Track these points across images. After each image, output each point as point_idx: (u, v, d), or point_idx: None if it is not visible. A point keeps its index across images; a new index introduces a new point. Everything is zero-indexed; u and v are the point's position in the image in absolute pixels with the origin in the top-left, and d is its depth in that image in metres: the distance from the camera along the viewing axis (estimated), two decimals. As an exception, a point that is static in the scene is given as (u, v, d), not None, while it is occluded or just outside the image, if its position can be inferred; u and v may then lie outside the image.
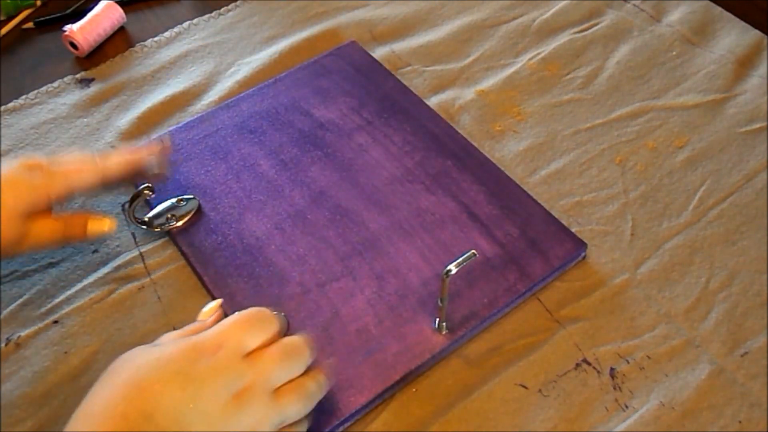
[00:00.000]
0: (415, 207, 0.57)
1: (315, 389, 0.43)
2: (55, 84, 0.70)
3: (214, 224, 0.57)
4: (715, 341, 0.51)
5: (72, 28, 0.71)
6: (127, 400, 0.37)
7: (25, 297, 0.55)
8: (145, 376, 0.38)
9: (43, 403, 0.49)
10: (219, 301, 0.47)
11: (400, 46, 0.72)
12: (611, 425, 0.48)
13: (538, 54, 0.71)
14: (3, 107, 0.68)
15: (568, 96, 0.67)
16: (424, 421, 0.48)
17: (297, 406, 0.42)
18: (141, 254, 0.57)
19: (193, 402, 0.38)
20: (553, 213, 0.57)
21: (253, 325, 0.42)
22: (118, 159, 0.53)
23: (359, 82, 0.67)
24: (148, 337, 0.52)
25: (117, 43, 0.75)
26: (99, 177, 0.52)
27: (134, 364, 0.40)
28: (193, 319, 0.53)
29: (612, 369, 0.50)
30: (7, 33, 0.75)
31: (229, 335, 0.41)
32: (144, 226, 0.57)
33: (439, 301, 0.48)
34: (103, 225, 0.54)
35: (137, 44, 0.74)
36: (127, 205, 0.58)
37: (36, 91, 0.69)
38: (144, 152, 0.55)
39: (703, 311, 0.53)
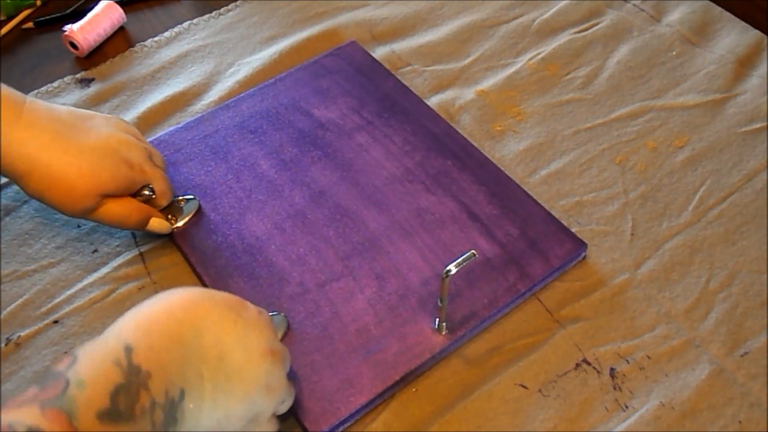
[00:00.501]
0: (415, 207, 0.57)
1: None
2: (55, 84, 0.70)
3: (214, 224, 0.57)
4: (715, 341, 0.51)
5: (72, 28, 0.71)
6: (184, 310, 0.40)
7: (25, 297, 0.55)
8: (203, 300, 0.41)
9: (43, 403, 0.49)
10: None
11: (400, 46, 0.72)
12: (611, 425, 0.48)
13: (538, 54, 0.71)
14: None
15: (568, 96, 0.67)
16: (424, 421, 0.48)
17: (291, 400, 0.45)
18: (141, 254, 0.57)
19: (240, 337, 0.40)
20: (553, 213, 0.57)
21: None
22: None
23: (359, 82, 0.67)
24: (148, 337, 0.52)
25: (117, 43, 0.75)
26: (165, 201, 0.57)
27: (191, 291, 0.42)
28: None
29: (612, 369, 0.50)
30: (7, 33, 0.75)
31: (264, 312, 0.44)
32: (144, 226, 0.57)
33: (439, 301, 0.48)
34: (162, 225, 0.56)
35: (137, 44, 0.74)
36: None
37: (36, 91, 0.69)
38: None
39: (703, 311, 0.53)
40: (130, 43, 0.74)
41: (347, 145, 0.62)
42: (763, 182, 0.60)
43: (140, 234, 0.58)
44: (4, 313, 0.54)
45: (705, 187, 0.60)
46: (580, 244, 0.55)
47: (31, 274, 0.56)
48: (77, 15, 0.75)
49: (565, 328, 0.52)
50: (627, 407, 0.49)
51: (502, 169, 0.60)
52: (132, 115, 0.67)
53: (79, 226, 0.59)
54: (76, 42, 0.71)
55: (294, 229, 0.56)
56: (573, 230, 0.56)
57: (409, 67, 0.70)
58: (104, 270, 0.56)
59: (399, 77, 0.68)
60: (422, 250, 0.55)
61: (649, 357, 0.51)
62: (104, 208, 0.52)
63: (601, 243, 0.57)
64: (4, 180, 0.62)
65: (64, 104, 0.68)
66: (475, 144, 0.62)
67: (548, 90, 0.68)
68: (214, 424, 0.39)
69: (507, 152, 0.63)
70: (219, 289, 0.53)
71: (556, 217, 0.57)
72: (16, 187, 0.61)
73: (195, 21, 0.76)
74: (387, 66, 0.69)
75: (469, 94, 0.67)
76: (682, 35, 0.72)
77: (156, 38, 0.74)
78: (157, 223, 0.56)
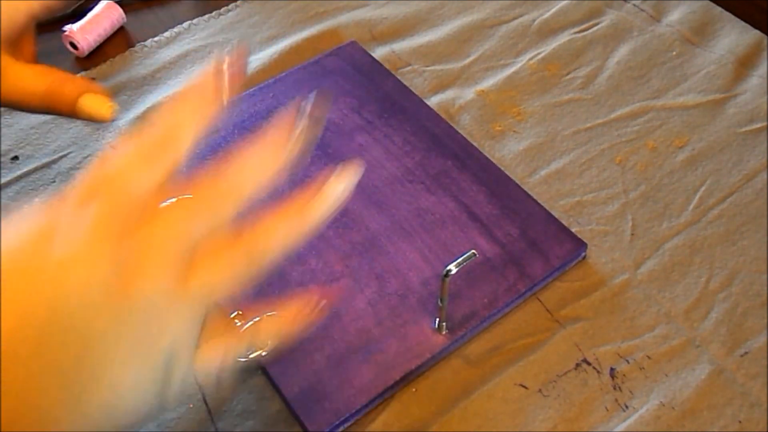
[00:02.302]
0: (415, 207, 0.57)
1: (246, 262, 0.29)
2: (55, 84, 0.70)
3: (214, 224, 0.57)
4: (715, 341, 0.51)
5: (72, 28, 0.71)
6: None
7: (25, 297, 0.55)
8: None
9: (43, 403, 0.49)
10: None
11: (400, 46, 0.72)
12: (611, 425, 0.48)
13: (538, 54, 0.71)
14: (3, 107, 0.68)
15: (568, 96, 0.67)
16: (424, 421, 0.48)
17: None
18: (141, 254, 0.57)
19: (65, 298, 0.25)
20: (553, 213, 0.57)
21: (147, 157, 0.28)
22: None
23: (359, 82, 0.67)
24: (148, 337, 0.52)
25: (117, 43, 0.75)
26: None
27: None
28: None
29: (612, 369, 0.50)
30: (7, 33, 0.75)
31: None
32: (144, 226, 0.57)
33: (439, 301, 0.48)
34: (101, 107, 0.41)
35: (137, 44, 0.74)
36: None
37: (36, 91, 0.69)
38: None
39: (703, 311, 0.53)
40: (130, 43, 0.74)
41: (347, 145, 0.62)
42: (763, 182, 0.60)
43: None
44: (4, 313, 0.54)
45: (705, 187, 0.60)
46: (580, 244, 0.55)
47: (31, 274, 0.56)
48: (77, 15, 0.75)
49: (565, 328, 0.52)
50: (627, 407, 0.49)
51: (502, 169, 0.60)
52: (132, 115, 0.67)
53: (79, 226, 0.59)
54: (76, 42, 0.71)
55: (294, 229, 0.56)
56: (573, 230, 0.56)
57: (409, 67, 0.70)
58: (104, 270, 0.56)
59: (399, 77, 0.68)
60: (422, 250, 0.55)
61: (649, 357, 0.51)
62: (12, 72, 0.39)
63: (601, 243, 0.57)
64: (4, 180, 0.62)
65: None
66: (475, 144, 0.62)
67: (548, 90, 0.68)
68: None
69: (507, 152, 0.63)
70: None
71: (556, 217, 0.57)
72: (16, 187, 0.61)
73: (195, 21, 0.76)
74: (387, 66, 0.69)
75: (469, 94, 0.67)
76: (682, 35, 0.72)
77: (156, 38, 0.74)
78: (94, 103, 0.39)
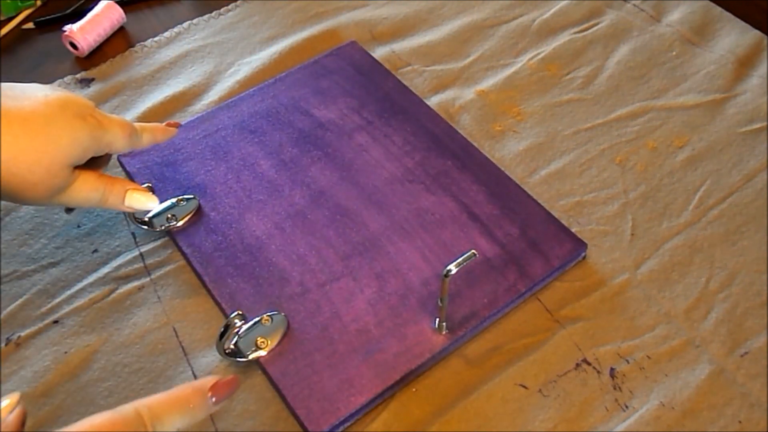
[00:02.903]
0: (415, 207, 0.57)
1: None
2: (55, 84, 0.70)
3: (214, 224, 0.57)
4: (715, 341, 0.51)
5: (72, 28, 0.71)
6: None
7: (25, 297, 0.55)
8: None
9: (43, 403, 0.49)
10: (16, 396, 0.38)
11: (400, 46, 0.72)
12: (611, 425, 0.48)
13: (538, 54, 0.71)
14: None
15: (568, 96, 0.67)
16: (424, 421, 0.48)
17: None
18: (141, 254, 0.57)
19: None
20: (553, 213, 0.57)
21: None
22: (148, 139, 0.53)
23: (359, 82, 0.67)
24: (147, 337, 0.52)
25: (117, 43, 0.75)
26: (132, 147, 0.51)
27: None
28: (192, 320, 0.53)
29: (612, 369, 0.50)
30: (7, 33, 0.75)
31: None
32: (144, 226, 0.57)
33: (439, 301, 0.48)
34: (145, 200, 0.51)
35: (137, 44, 0.74)
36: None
37: (36, 91, 0.69)
38: (166, 135, 0.55)
39: (703, 311, 0.53)
40: (130, 43, 0.74)
41: (347, 145, 0.62)
42: (763, 182, 0.60)
43: (140, 234, 0.58)
44: (4, 313, 0.54)
45: (705, 187, 0.60)
46: (580, 244, 0.55)
47: (31, 274, 0.56)
48: (77, 15, 0.75)
49: (565, 328, 0.52)
50: (627, 407, 0.49)
51: (502, 169, 0.60)
52: (132, 115, 0.67)
53: (79, 226, 0.59)
54: (76, 42, 0.71)
55: (294, 229, 0.56)
56: (573, 230, 0.56)
57: (409, 67, 0.70)
58: (104, 270, 0.56)
59: (399, 77, 0.68)
60: (422, 250, 0.55)
61: (649, 357, 0.51)
62: (76, 184, 0.48)
63: (601, 243, 0.57)
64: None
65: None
66: (475, 144, 0.62)
67: (548, 90, 0.68)
68: None
69: (507, 152, 0.63)
70: (219, 288, 0.53)
71: (556, 217, 0.57)
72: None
73: (195, 21, 0.76)
74: (387, 66, 0.69)
75: (469, 94, 0.67)
76: (682, 35, 0.72)
77: (156, 38, 0.74)
78: (138, 198, 0.51)
